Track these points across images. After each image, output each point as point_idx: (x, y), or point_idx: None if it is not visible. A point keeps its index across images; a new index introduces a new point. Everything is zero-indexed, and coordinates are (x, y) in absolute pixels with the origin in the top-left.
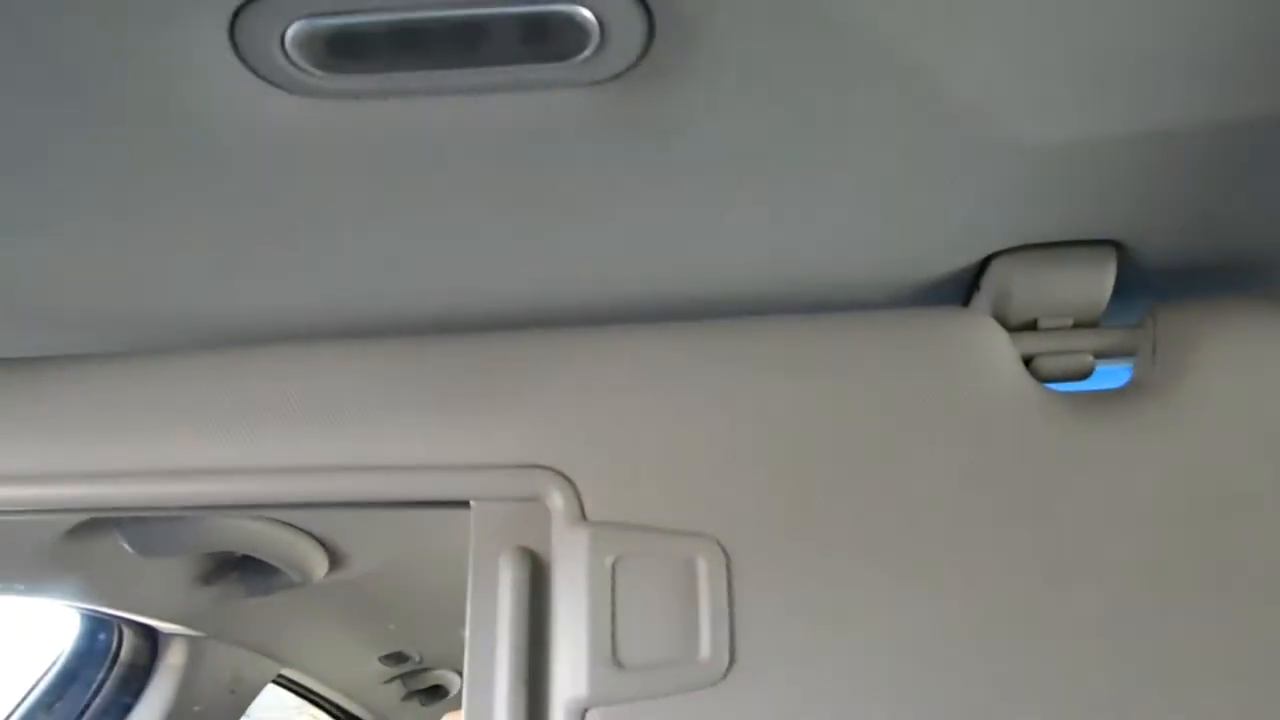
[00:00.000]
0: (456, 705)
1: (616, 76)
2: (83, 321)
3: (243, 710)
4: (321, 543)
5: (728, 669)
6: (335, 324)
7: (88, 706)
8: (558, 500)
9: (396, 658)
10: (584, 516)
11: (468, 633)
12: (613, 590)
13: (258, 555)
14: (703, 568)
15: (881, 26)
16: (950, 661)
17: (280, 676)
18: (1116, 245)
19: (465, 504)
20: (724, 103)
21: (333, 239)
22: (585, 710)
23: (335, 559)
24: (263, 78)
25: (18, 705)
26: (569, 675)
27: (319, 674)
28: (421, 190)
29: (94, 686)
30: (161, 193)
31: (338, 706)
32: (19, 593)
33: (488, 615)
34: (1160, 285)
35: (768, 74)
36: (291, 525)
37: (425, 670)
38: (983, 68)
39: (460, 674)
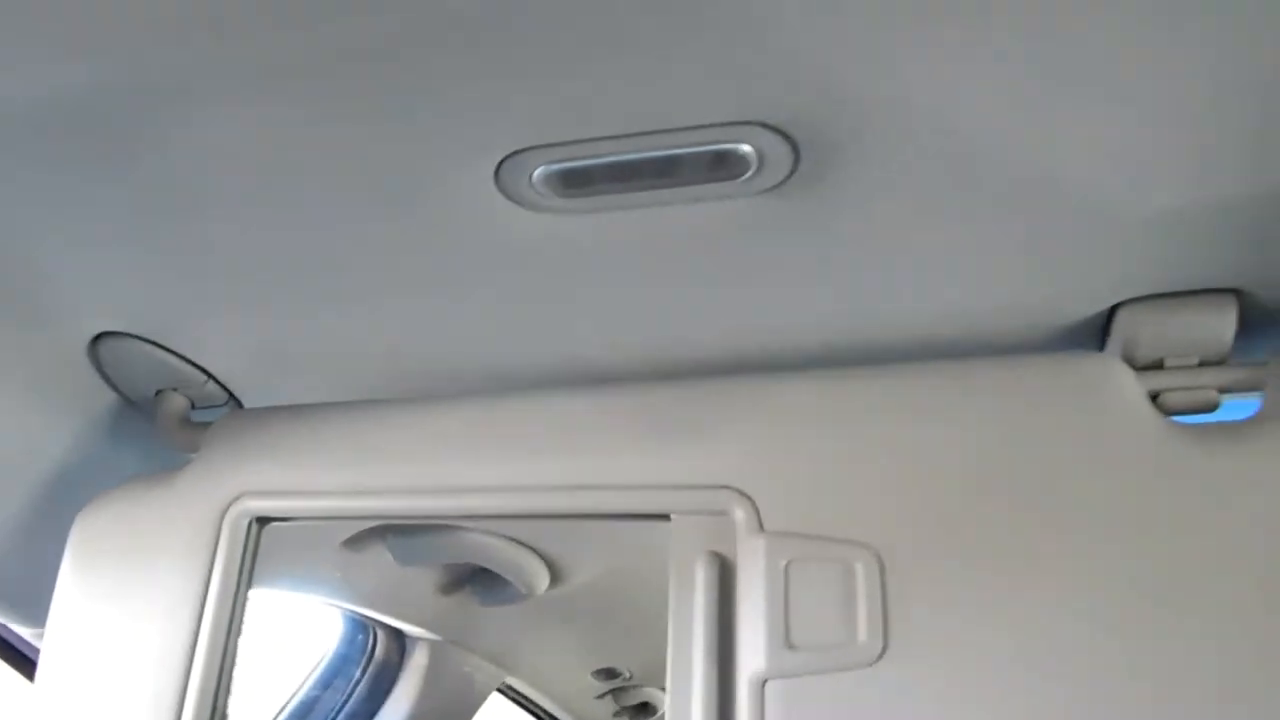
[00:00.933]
0: None
1: (773, 189)
2: (387, 373)
3: (474, 710)
4: (544, 558)
5: (881, 653)
6: (572, 373)
7: (350, 696)
8: (741, 514)
9: (608, 673)
10: (762, 528)
11: (670, 621)
12: (786, 587)
13: (490, 567)
14: (860, 570)
15: (995, 135)
16: (1070, 661)
17: (505, 686)
18: (1237, 292)
19: (666, 517)
20: (862, 204)
21: (571, 311)
22: (765, 681)
23: (555, 574)
24: (517, 203)
25: (294, 694)
26: (751, 654)
27: (539, 684)
28: (635, 274)
29: (354, 680)
30: (448, 281)
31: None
32: (304, 590)
33: (686, 607)
34: None
35: (897, 181)
36: (519, 541)
37: (635, 687)
38: (1091, 147)
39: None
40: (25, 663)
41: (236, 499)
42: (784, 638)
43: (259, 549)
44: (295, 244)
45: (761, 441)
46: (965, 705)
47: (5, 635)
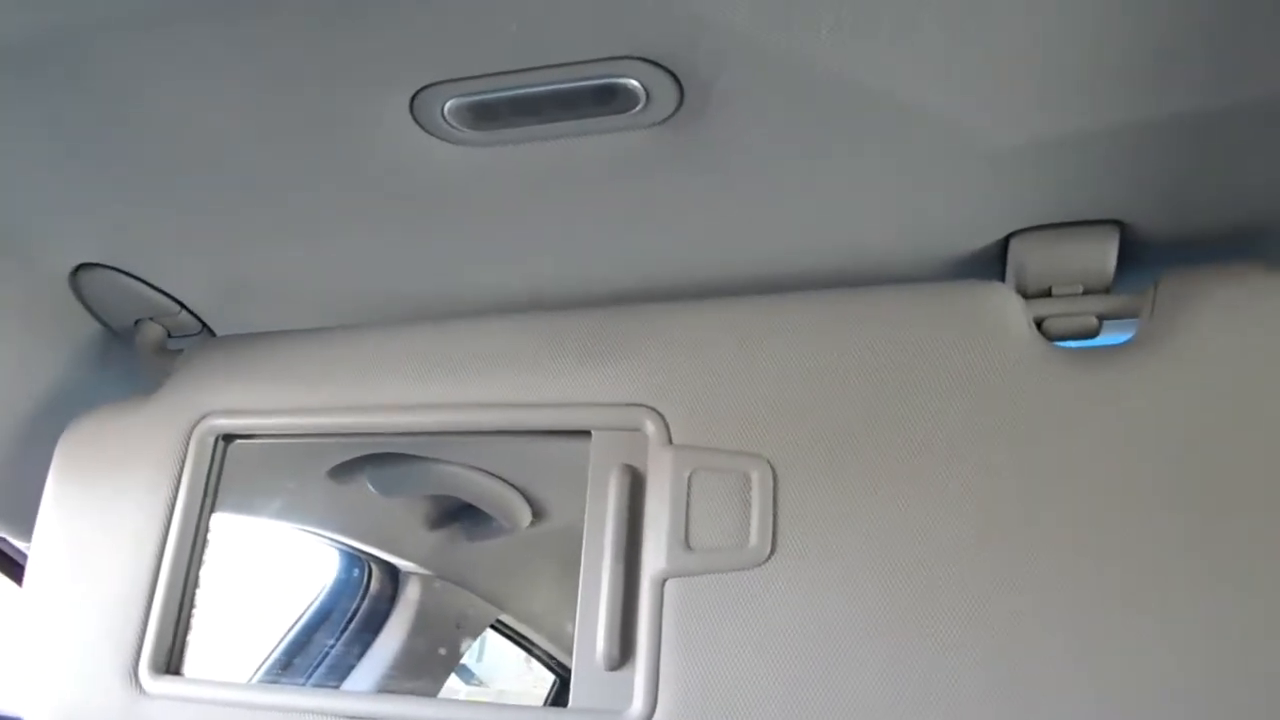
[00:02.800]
0: None
1: (663, 122)
2: (326, 301)
3: (467, 645)
4: (523, 494)
5: (769, 554)
6: (501, 301)
7: (346, 628)
8: (652, 429)
9: None
10: (671, 441)
11: (585, 525)
12: (688, 494)
13: (473, 501)
14: (755, 480)
15: (866, 75)
16: (947, 569)
17: (498, 623)
18: (1119, 224)
19: (588, 434)
20: (749, 138)
21: (486, 241)
22: (665, 579)
23: (536, 511)
24: (433, 135)
25: (292, 625)
26: (654, 555)
27: (530, 620)
28: (549, 207)
29: (349, 613)
30: (379, 213)
31: (551, 657)
32: (294, 521)
33: (600, 513)
34: (1166, 256)
35: (777, 116)
36: (497, 476)
37: None
38: (964, 84)
39: None
40: (20, 571)
41: (202, 418)
42: (684, 540)
43: (225, 466)
44: (240, 178)
45: (672, 363)
46: (843, 604)
47: (4, 548)
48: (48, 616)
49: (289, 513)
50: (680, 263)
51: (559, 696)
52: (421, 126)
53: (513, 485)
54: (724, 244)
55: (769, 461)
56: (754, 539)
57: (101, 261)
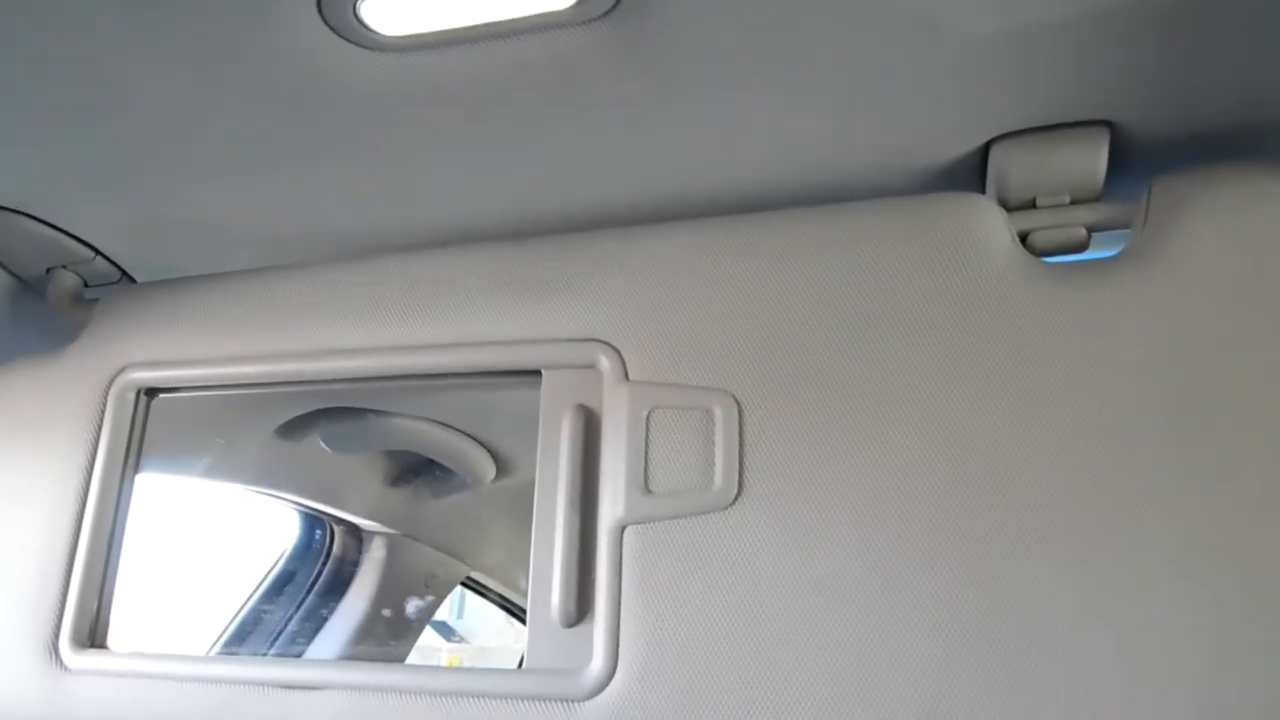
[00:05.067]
0: None
1: (602, 16)
2: (253, 241)
3: (437, 603)
4: (485, 447)
5: (736, 497)
6: (440, 233)
7: (309, 591)
8: (607, 365)
9: None
10: (627, 377)
11: (538, 472)
12: (646, 434)
13: (433, 456)
14: (719, 417)
15: None
16: (930, 502)
17: (470, 580)
18: (1110, 125)
19: (538, 372)
20: (696, 33)
21: (419, 167)
22: (624, 527)
23: (500, 465)
24: (346, 39)
25: (254, 590)
26: (611, 501)
27: (501, 577)
28: (478, 122)
29: (312, 575)
30: (300, 144)
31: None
32: (246, 483)
33: (552, 458)
34: (1159, 161)
35: (728, 9)
36: (457, 429)
37: None
38: None
39: None
40: None
41: (121, 371)
42: (643, 484)
43: (148, 422)
44: (148, 112)
45: (626, 294)
46: (817, 547)
47: None
48: None
49: (240, 474)
50: (630, 184)
51: None
52: (334, 30)
53: (473, 438)
54: (676, 161)
55: (734, 396)
56: (719, 480)
57: (4, 204)
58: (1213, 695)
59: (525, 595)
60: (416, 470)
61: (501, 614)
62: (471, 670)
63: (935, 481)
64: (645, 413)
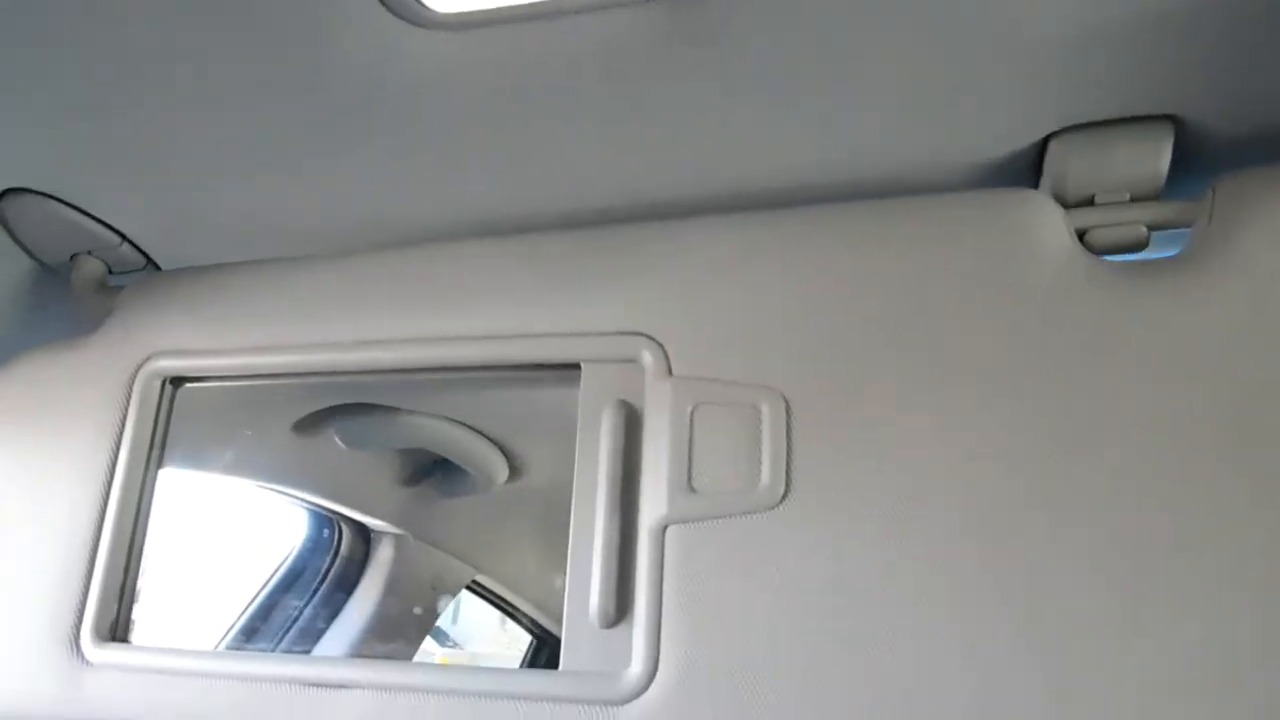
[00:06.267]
0: None
1: None
2: (283, 231)
3: (443, 606)
4: (500, 447)
5: (784, 496)
6: (481, 223)
7: (316, 591)
8: (650, 359)
9: None
10: (670, 372)
11: (575, 469)
12: (690, 431)
13: (447, 455)
14: (766, 412)
15: None
16: (984, 505)
17: (475, 584)
18: (1174, 120)
19: (576, 366)
20: (755, 24)
21: (463, 153)
22: (666, 526)
23: (514, 466)
24: (399, 16)
25: (260, 589)
26: (653, 499)
27: (508, 581)
28: (528, 105)
29: (319, 575)
30: (349, 129)
31: (531, 619)
32: (257, 479)
33: (591, 455)
34: (1223, 158)
35: (798, 5)
36: (472, 428)
37: None
38: None
39: None
40: None
41: (147, 360)
42: (686, 482)
43: (185, 419)
44: (185, 99)
45: (671, 287)
46: (866, 549)
47: None
48: None
49: (251, 470)
50: (680, 175)
51: (535, 658)
52: (387, 6)
53: (488, 438)
54: (727, 152)
55: (782, 393)
56: (766, 479)
57: (32, 187)
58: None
59: (534, 600)
60: (427, 470)
61: (495, 619)
62: (505, 671)
63: (987, 483)
64: (689, 409)
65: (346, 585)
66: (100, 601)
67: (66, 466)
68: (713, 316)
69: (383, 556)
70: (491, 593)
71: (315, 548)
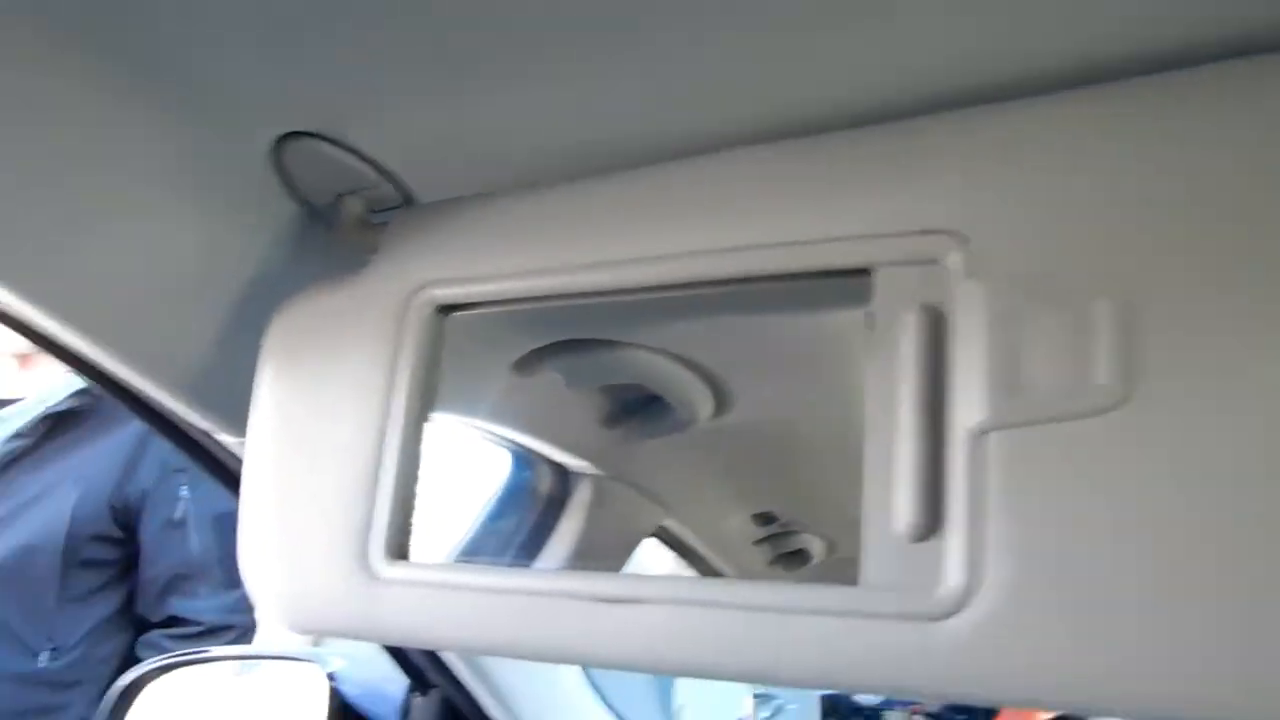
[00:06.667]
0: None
1: None
2: (544, 153)
3: (634, 548)
4: (710, 380)
5: (1122, 400)
6: (746, 132)
7: (518, 531)
8: (956, 259)
9: (765, 518)
10: (981, 273)
11: (866, 379)
12: (1010, 333)
13: (654, 388)
14: (1098, 312)
15: None
16: None
17: (659, 529)
18: None
19: (867, 272)
20: None
21: (731, 49)
22: (986, 431)
23: (721, 401)
24: None
25: (469, 529)
26: (967, 406)
27: (696, 526)
28: None
29: (522, 515)
30: (594, 30)
31: (709, 566)
32: (476, 418)
33: (888, 361)
34: None
35: None
36: (686, 360)
37: (791, 533)
38: None
39: (822, 539)
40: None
41: (418, 290)
42: (1008, 387)
43: (443, 342)
44: (454, 15)
45: (978, 178)
46: (1217, 455)
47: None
48: (271, 508)
49: (469, 408)
50: (982, 52)
51: None
52: None
53: (698, 368)
54: (1028, 23)
55: (1112, 289)
56: (1102, 381)
57: (304, 128)
58: None
59: (717, 544)
60: (628, 409)
61: (669, 565)
62: (803, 586)
63: None
64: (1007, 309)
65: (547, 526)
66: (389, 522)
67: (349, 396)
68: (1025, 208)
69: (581, 498)
70: (676, 539)
71: (517, 488)
